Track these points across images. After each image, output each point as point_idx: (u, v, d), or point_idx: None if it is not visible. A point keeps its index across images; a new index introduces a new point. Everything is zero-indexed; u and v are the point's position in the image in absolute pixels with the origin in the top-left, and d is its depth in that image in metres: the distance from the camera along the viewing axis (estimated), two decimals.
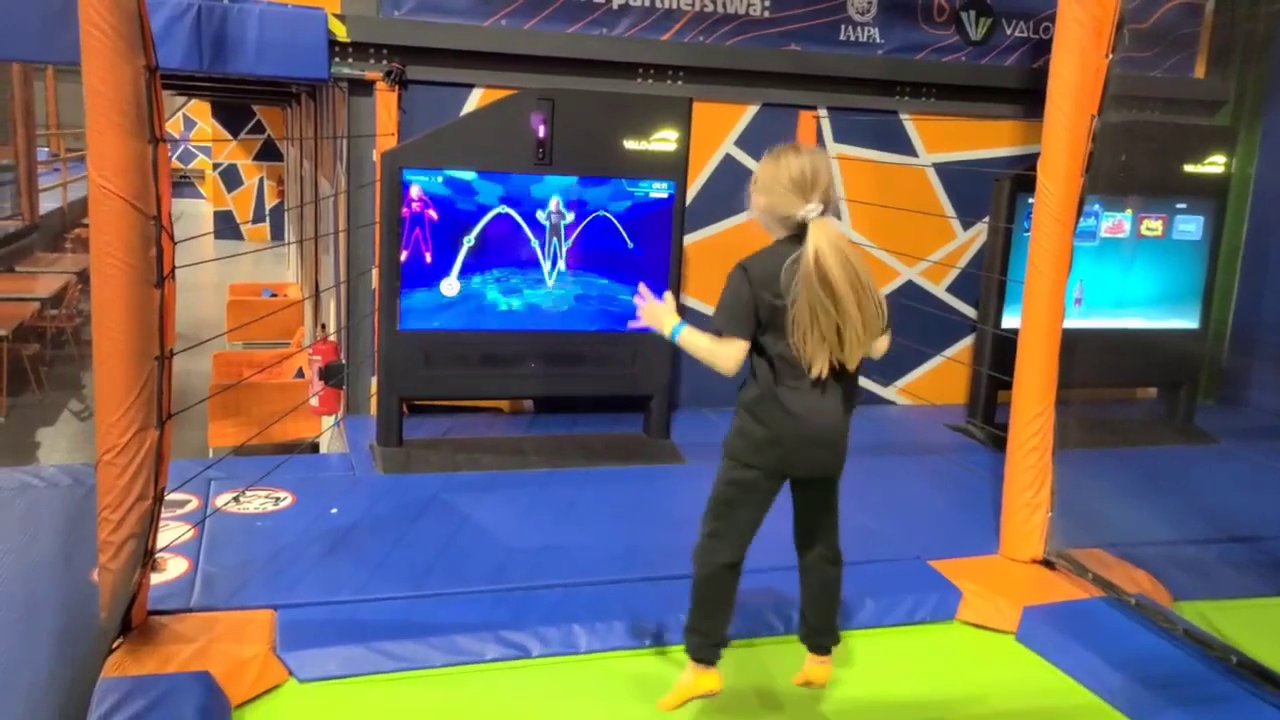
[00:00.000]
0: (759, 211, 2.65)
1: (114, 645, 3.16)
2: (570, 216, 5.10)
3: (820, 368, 2.58)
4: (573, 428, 5.72)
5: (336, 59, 5.37)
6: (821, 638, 3.17)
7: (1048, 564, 4.21)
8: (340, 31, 5.30)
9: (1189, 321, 6.26)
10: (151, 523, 3.18)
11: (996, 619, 3.86)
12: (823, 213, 2.52)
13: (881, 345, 2.77)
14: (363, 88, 5.51)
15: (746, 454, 2.75)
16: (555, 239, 5.10)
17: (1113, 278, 6.08)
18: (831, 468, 2.85)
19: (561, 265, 5.14)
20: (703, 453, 5.30)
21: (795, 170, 2.51)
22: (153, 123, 2.97)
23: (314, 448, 6.81)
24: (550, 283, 5.14)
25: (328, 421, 6.23)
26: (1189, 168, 6.10)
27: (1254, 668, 3.41)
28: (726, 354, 2.60)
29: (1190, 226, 6.14)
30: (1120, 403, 6.83)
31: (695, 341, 2.69)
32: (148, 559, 3.22)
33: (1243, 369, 7.01)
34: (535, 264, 5.11)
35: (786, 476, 2.83)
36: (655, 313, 2.74)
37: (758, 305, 2.59)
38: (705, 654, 2.99)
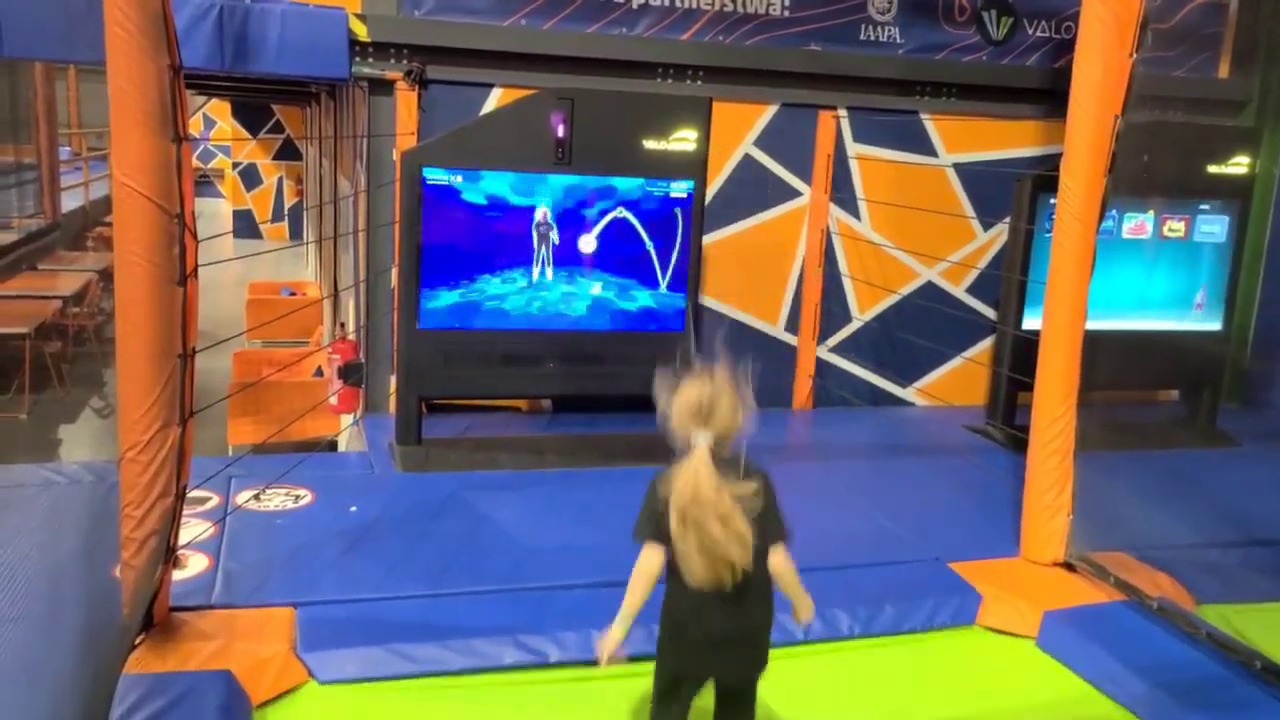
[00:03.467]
0: (671, 431, 2.71)
1: (136, 642, 3.18)
2: (587, 219, 5.10)
3: (698, 579, 2.61)
4: (591, 427, 5.72)
5: (357, 59, 5.39)
6: None
7: (1069, 567, 4.19)
8: (361, 31, 5.31)
9: (1212, 324, 6.21)
10: (173, 520, 3.20)
11: (1017, 623, 3.83)
12: (714, 443, 2.60)
13: (776, 565, 2.74)
14: (383, 87, 5.52)
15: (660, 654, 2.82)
16: (560, 241, 5.10)
17: (1135, 279, 6.04)
18: (735, 673, 2.80)
19: (582, 266, 5.14)
20: None
21: (694, 398, 2.63)
22: (176, 122, 2.98)
23: (332, 446, 6.83)
24: (565, 283, 5.14)
25: (347, 420, 6.26)
26: (1212, 168, 6.05)
27: (1278, 672, 3.38)
28: (645, 565, 2.70)
29: (1214, 228, 6.09)
30: (1142, 405, 6.78)
31: (629, 601, 2.75)
32: (169, 556, 3.24)
33: (1266, 371, 6.95)
34: (553, 263, 5.11)
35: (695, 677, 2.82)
36: (605, 647, 2.77)
37: (660, 512, 2.65)
38: None
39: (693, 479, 2.56)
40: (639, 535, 2.70)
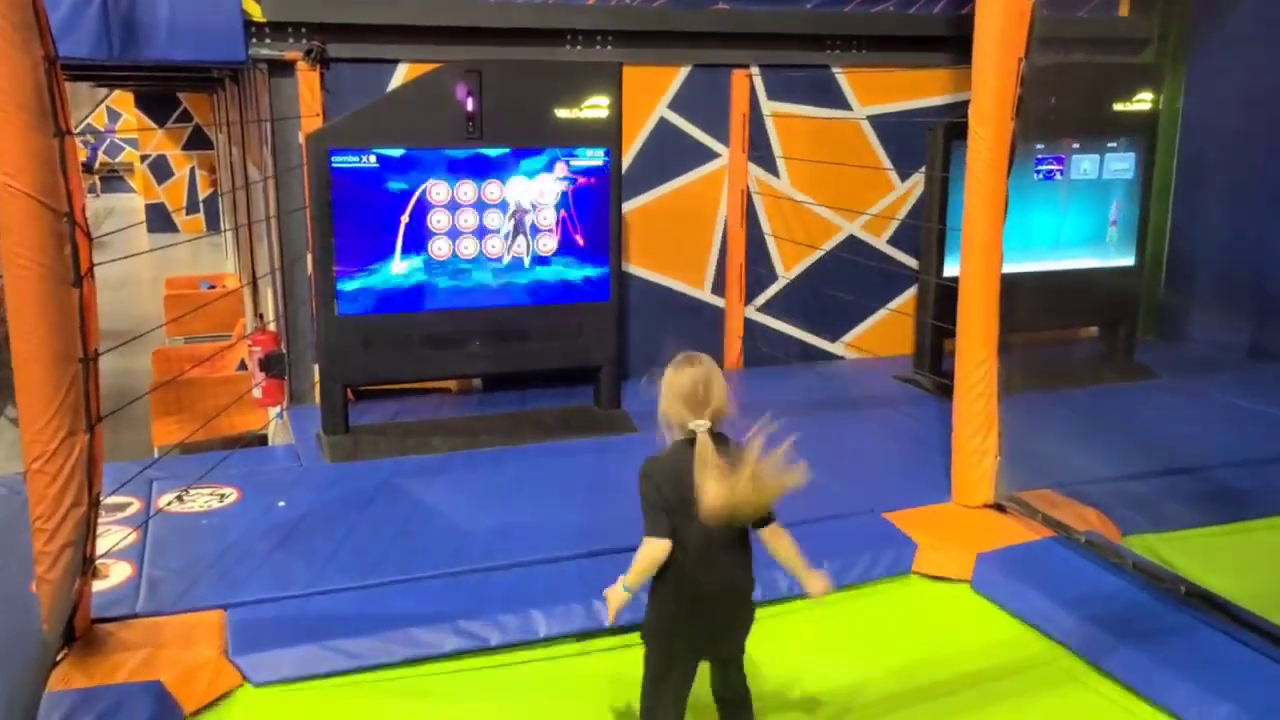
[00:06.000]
0: (661, 414, 2.72)
1: (58, 658, 3.07)
2: (502, 192, 5.02)
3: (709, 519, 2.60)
4: (523, 404, 5.67)
5: (254, 40, 5.22)
6: None
7: (999, 508, 4.26)
8: (255, 11, 5.14)
9: (1125, 259, 6.33)
10: (88, 529, 3.09)
11: (951, 568, 3.89)
12: (711, 429, 2.60)
13: (773, 540, 2.75)
14: (283, 69, 5.36)
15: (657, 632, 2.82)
16: (490, 215, 5.02)
17: (1050, 219, 6.12)
18: (731, 649, 2.84)
19: (501, 241, 5.06)
20: (654, 420, 5.28)
21: (687, 384, 2.62)
22: (56, 116, 2.85)
23: (262, 440, 6.69)
24: (491, 259, 5.06)
25: (274, 412, 6.13)
26: (1118, 107, 6.14)
27: (1202, 596, 3.48)
28: (652, 553, 2.65)
29: (1123, 165, 6.20)
30: (1062, 344, 6.91)
31: (637, 569, 2.71)
32: (87, 567, 3.13)
33: (1180, 303, 7.12)
34: (472, 240, 5.03)
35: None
36: (612, 604, 2.76)
37: (663, 500, 2.64)
38: None
39: (715, 478, 2.49)
40: (654, 533, 2.64)
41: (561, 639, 3.46)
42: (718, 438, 2.62)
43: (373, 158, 4.79)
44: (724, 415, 2.67)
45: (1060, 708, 3.15)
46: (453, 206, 4.96)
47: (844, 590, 3.78)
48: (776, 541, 2.74)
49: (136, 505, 4.25)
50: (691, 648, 2.76)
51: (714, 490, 2.49)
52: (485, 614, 3.46)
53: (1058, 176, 6.07)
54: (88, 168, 22.76)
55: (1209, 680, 3.06)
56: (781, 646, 3.41)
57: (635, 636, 3.42)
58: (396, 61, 5.53)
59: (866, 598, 3.79)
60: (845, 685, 3.25)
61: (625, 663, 3.33)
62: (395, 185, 4.85)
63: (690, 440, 2.61)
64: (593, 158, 5.12)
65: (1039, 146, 5.94)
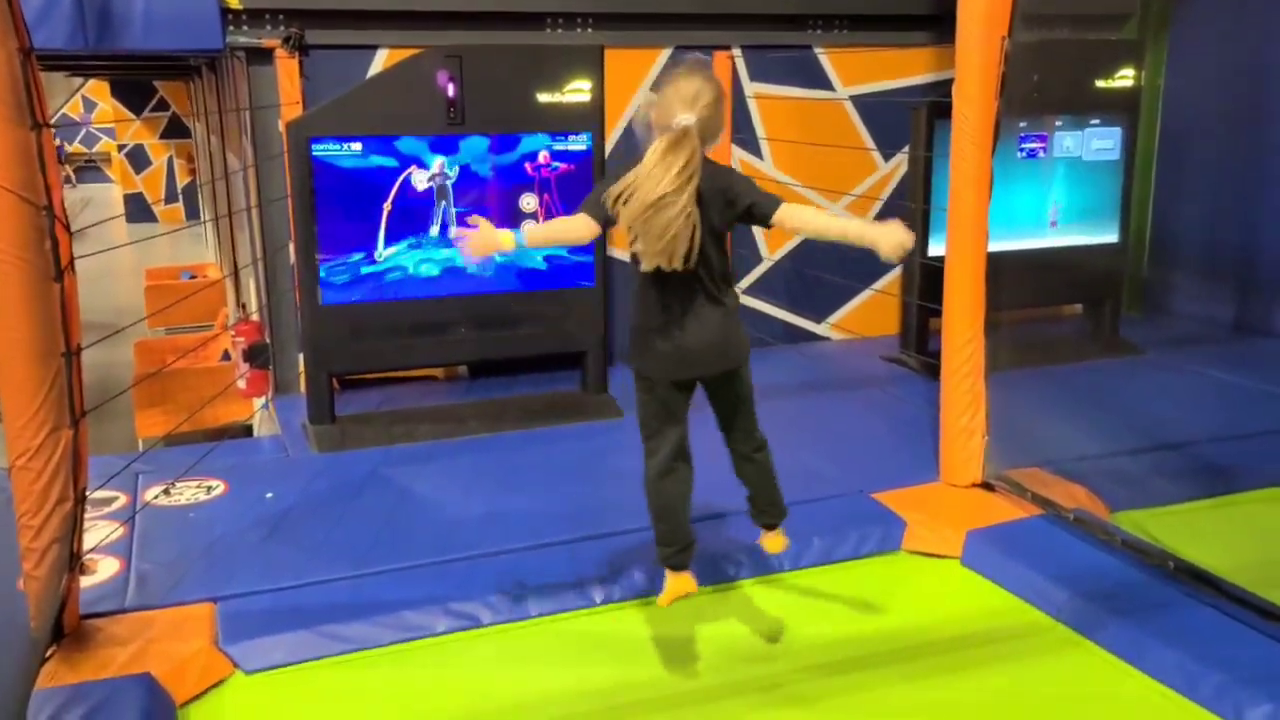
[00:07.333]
0: (649, 121, 2.83)
1: (47, 655, 3.05)
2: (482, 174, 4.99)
3: (649, 265, 2.74)
4: (510, 390, 5.65)
5: (231, 27, 5.16)
6: (766, 516, 3.32)
7: (987, 487, 4.27)
8: None
9: (1109, 236, 6.34)
10: (75, 525, 3.06)
11: (941, 545, 3.91)
12: (689, 125, 2.73)
13: (790, 218, 2.85)
14: (262, 56, 5.30)
15: (635, 363, 2.96)
16: (447, 200, 4.99)
17: (1035, 197, 6.13)
18: (712, 367, 2.92)
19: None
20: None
21: (688, 88, 2.75)
22: (33, 108, 2.81)
23: (248, 430, 6.66)
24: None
25: (259, 403, 6.09)
26: (1100, 83, 6.14)
27: (1190, 571, 3.50)
28: (573, 224, 2.80)
29: (1106, 142, 6.20)
30: (1048, 322, 6.93)
31: (544, 231, 2.93)
32: (75, 562, 3.11)
33: (1164, 279, 7.15)
34: (455, 226, 5.00)
35: (676, 381, 2.92)
36: (483, 240, 2.85)
37: (612, 199, 2.76)
38: (673, 561, 3.10)
39: (656, 161, 2.64)
40: (584, 210, 2.78)
41: (553, 615, 3.46)
42: (702, 161, 2.72)
43: (354, 145, 4.75)
44: (710, 132, 2.78)
45: (1051, 670, 3.18)
46: (435, 194, 4.93)
47: (833, 564, 3.81)
48: (799, 217, 2.85)
49: (123, 499, 4.23)
50: (657, 370, 2.85)
51: (650, 186, 2.64)
52: (475, 596, 3.47)
53: (1040, 154, 6.07)
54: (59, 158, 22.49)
55: (1198, 653, 3.08)
56: (770, 620, 3.43)
57: (628, 607, 3.47)
58: (376, 47, 5.48)
59: (856, 571, 3.80)
60: (834, 652, 3.28)
61: (618, 628, 3.37)
62: (377, 173, 4.81)
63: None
64: (576, 143, 5.09)
65: (1022, 124, 5.94)
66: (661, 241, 2.67)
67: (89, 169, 23.97)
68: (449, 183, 4.93)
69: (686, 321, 2.81)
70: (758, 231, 6.47)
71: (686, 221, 2.66)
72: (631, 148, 6.01)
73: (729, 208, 2.82)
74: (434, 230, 4.96)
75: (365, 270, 4.89)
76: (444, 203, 4.95)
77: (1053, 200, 6.17)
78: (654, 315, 2.83)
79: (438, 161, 4.89)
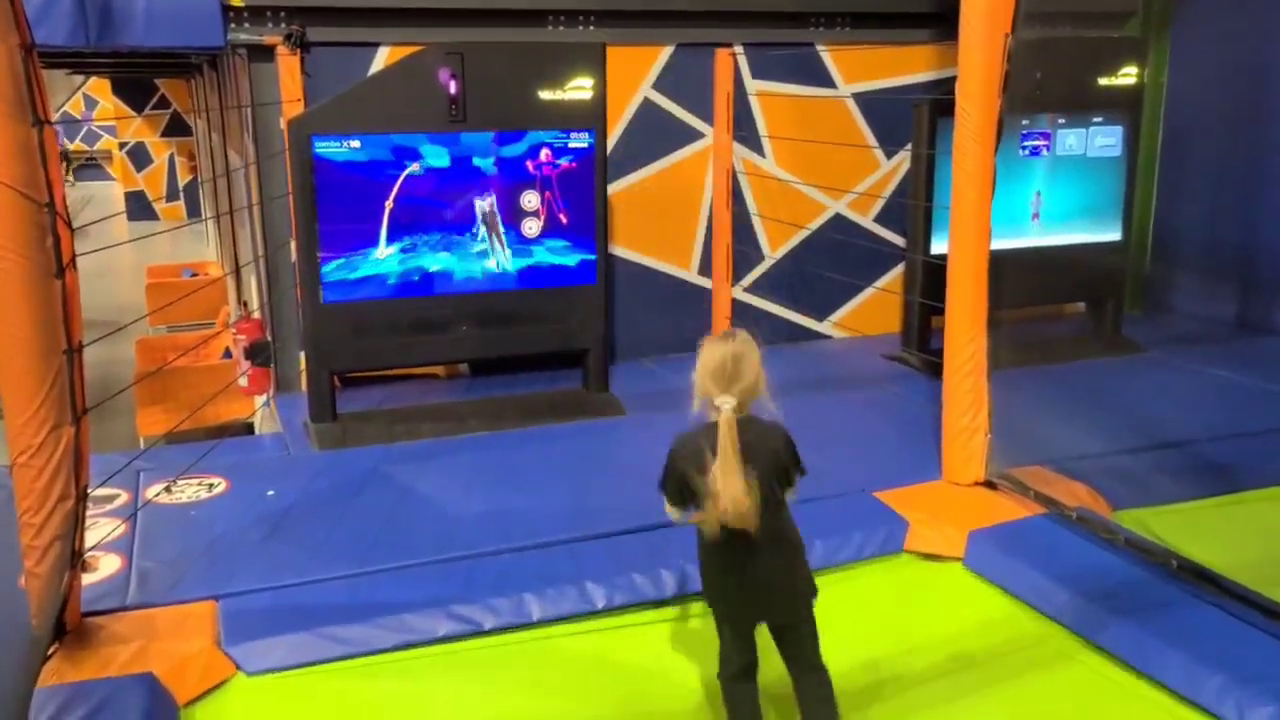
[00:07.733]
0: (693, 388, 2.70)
1: (49, 652, 3.05)
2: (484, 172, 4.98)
3: (711, 533, 2.63)
4: (511, 388, 5.64)
5: (232, 25, 5.15)
6: None
7: (990, 485, 4.27)
8: None
9: (1111, 234, 6.33)
10: (77, 523, 3.06)
11: (943, 546, 3.90)
12: (736, 408, 2.57)
13: None
14: (263, 53, 5.29)
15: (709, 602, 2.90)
16: (460, 201, 4.98)
17: (1019, 192, 6.11)
18: (781, 615, 2.84)
19: (485, 225, 5.03)
20: (643, 403, 5.28)
21: (715, 361, 2.59)
22: (34, 105, 2.80)
23: (249, 428, 6.65)
24: (470, 243, 5.03)
25: (261, 401, 6.09)
26: (1103, 81, 6.12)
27: (1193, 569, 3.49)
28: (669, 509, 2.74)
29: (1109, 140, 6.19)
30: (1051, 320, 6.92)
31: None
32: (76, 560, 3.10)
33: (1166, 277, 7.14)
34: (457, 226, 4.99)
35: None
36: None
37: (683, 477, 2.65)
38: None
39: (722, 457, 2.49)
40: (666, 499, 2.71)
41: (554, 622, 3.45)
42: (746, 421, 2.58)
43: (356, 143, 4.74)
44: (755, 395, 2.63)
45: (1054, 684, 3.16)
46: (436, 192, 4.92)
47: (836, 568, 3.78)
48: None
49: (124, 497, 4.22)
50: (729, 615, 2.79)
51: (733, 492, 2.48)
52: (477, 599, 3.45)
53: (1044, 152, 6.06)
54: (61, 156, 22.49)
55: (1201, 652, 3.07)
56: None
57: (628, 617, 3.46)
58: (377, 45, 5.47)
59: (859, 576, 3.79)
60: (839, 663, 3.25)
61: (617, 643, 3.35)
62: (377, 171, 4.81)
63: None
64: (578, 140, 5.08)
65: (1024, 122, 5.93)
66: (727, 517, 2.56)
67: (89, 166, 23.96)
68: (450, 193, 4.93)
69: (756, 569, 2.70)
70: (760, 227, 6.46)
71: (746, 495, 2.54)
72: (632, 147, 6.03)
73: (777, 467, 2.72)
74: (438, 236, 4.94)
75: (366, 268, 4.88)
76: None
77: (1034, 190, 6.13)
78: (724, 562, 2.74)
79: (438, 172, 4.88)
